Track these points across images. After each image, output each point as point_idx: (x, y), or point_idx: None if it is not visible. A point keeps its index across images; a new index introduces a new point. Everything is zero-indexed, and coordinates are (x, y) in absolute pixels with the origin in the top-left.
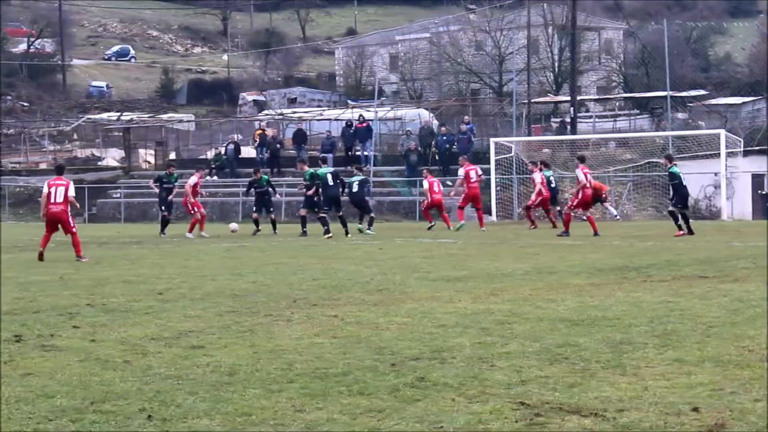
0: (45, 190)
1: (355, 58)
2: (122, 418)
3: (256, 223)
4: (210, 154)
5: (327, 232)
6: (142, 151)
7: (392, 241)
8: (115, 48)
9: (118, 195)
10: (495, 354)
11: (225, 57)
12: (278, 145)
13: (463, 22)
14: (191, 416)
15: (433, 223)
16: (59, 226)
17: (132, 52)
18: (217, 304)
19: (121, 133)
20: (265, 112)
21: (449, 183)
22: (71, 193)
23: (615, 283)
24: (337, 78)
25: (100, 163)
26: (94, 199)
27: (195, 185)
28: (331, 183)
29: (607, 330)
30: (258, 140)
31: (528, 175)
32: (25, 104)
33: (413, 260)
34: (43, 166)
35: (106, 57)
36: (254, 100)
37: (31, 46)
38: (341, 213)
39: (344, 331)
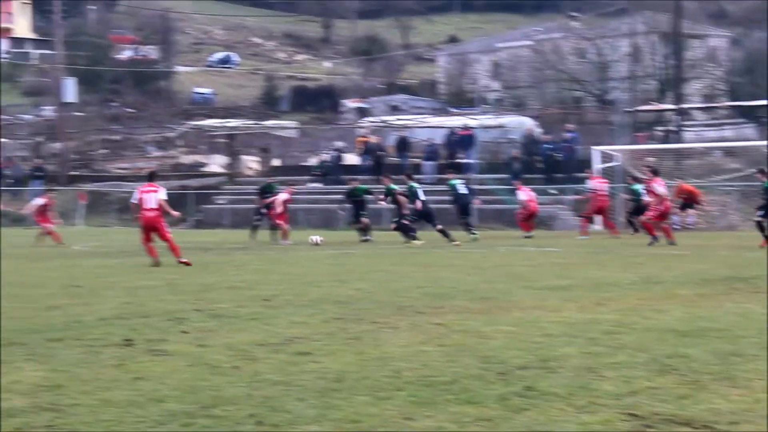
0: (136, 196)
1: (457, 66)
2: (232, 423)
3: (363, 230)
4: (313, 161)
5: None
6: (246, 157)
7: (495, 249)
8: (219, 55)
9: (223, 201)
10: (603, 364)
11: (327, 64)
12: (381, 153)
13: (565, 30)
14: (300, 422)
15: (531, 234)
16: (153, 231)
17: (235, 59)
18: (323, 311)
19: (225, 140)
20: (367, 119)
21: (551, 192)
22: (163, 197)
23: (723, 294)
24: (438, 85)
25: (204, 169)
26: (199, 204)
27: (285, 201)
28: (463, 191)
29: (717, 341)
30: (361, 148)
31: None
32: (131, 111)
33: (517, 268)
34: (148, 171)
35: (209, 64)
36: (356, 108)
37: (136, 53)
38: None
39: (450, 340)
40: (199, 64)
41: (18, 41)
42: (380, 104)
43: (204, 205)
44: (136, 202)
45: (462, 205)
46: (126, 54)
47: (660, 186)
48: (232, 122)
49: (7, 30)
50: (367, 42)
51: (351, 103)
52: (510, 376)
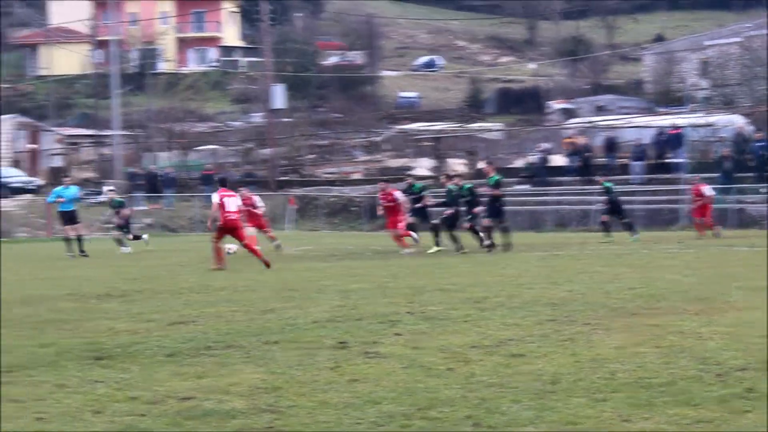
0: (216, 200)
1: (664, 65)
2: (449, 425)
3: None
4: (519, 163)
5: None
6: (451, 160)
7: (707, 249)
8: (423, 59)
9: (431, 204)
10: None
11: (532, 66)
12: (588, 154)
13: None
14: (517, 424)
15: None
16: (233, 233)
17: (440, 62)
18: (535, 313)
19: (431, 143)
20: (574, 120)
21: (762, 191)
22: (239, 203)
23: None
24: (645, 85)
25: (410, 172)
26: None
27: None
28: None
29: None
30: (568, 149)
31: None
32: (338, 116)
33: (731, 269)
34: (356, 176)
35: (414, 68)
36: (562, 108)
37: (342, 59)
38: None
39: (666, 341)
40: (404, 68)
41: (227, 49)
42: (586, 105)
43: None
44: (217, 204)
45: (614, 205)
46: (332, 60)
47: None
48: (438, 125)
49: (217, 39)
50: (572, 42)
51: (556, 105)
52: (729, 378)
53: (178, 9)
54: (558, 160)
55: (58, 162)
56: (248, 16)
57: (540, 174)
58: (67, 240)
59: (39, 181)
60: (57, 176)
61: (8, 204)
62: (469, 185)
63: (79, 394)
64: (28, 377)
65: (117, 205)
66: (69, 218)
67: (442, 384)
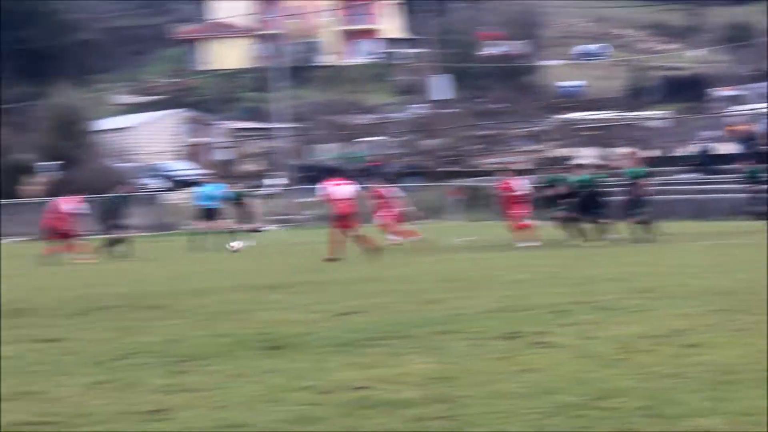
0: (325, 190)
1: None
2: (624, 415)
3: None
4: (684, 151)
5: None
6: (615, 149)
7: None
8: (585, 47)
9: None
10: None
11: (696, 52)
12: (754, 141)
13: None
14: (695, 414)
15: None
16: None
17: (602, 50)
18: (706, 303)
19: (594, 132)
20: (740, 107)
21: None
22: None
23: None
24: None
25: (573, 162)
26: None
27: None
28: None
29: None
30: (733, 136)
31: None
32: (499, 106)
33: None
34: (518, 166)
35: (576, 56)
36: (728, 96)
37: (504, 49)
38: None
39: None
40: (566, 57)
41: (389, 41)
42: (752, 92)
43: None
44: (327, 193)
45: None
46: (493, 50)
47: None
48: (601, 114)
49: (379, 30)
50: (737, 28)
51: (722, 92)
52: None
53: (340, 2)
54: (723, 147)
55: (225, 155)
56: (410, 7)
57: (705, 162)
58: (197, 234)
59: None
60: (224, 169)
61: (175, 197)
62: (594, 176)
63: (254, 383)
64: (203, 366)
65: (236, 198)
66: (208, 215)
67: (614, 374)
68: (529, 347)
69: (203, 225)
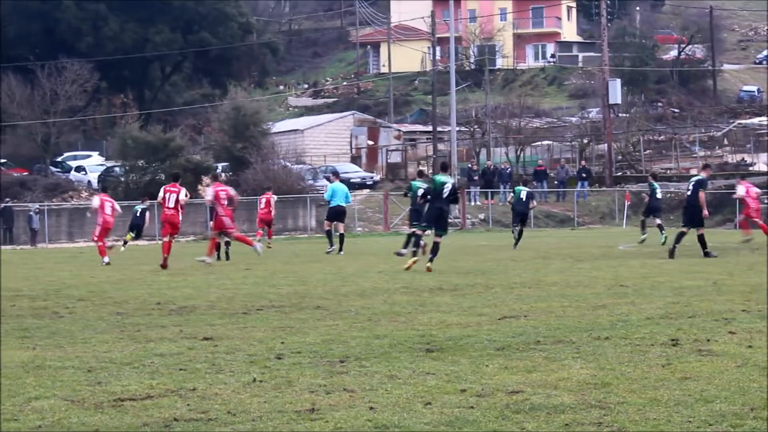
0: (161, 195)
1: None
2: None
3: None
4: None
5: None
6: None
7: None
8: (766, 52)
9: None
10: None
11: None
12: None
13: None
14: None
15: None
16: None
17: None
18: None
19: None
20: None
21: None
22: (182, 198)
23: None
24: None
25: (751, 168)
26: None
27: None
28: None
29: None
30: None
31: None
32: (676, 110)
33: None
34: (693, 171)
35: (756, 61)
36: None
37: (682, 53)
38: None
39: None
40: (746, 61)
41: (565, 45)
42: None
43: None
44: (160, 198)
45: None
46: (671, 54)
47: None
48: None
49: (555, 34)
50: None
51: None
52: None
53: (516, 5)
54: None
55: (396, 158)
56: (587, 11)
57: None
58: (328, 234)
59: (377, 176)
60: (394, 172)
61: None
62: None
63: (409, 385)
64: (361, 367)
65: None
66: (336, 214)
67: None
68: (691, 355)
69: (330, 224)
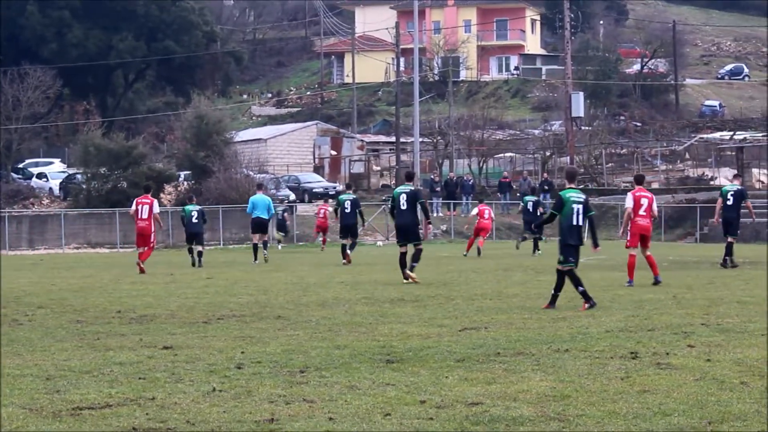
0: (133, 207)
1: None
2: None
3: None
4: None
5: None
6: (755, 170)
7: None
8: (729, 67)
9: None
10: None
11: None
12: None
13: None
14: None
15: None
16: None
17: (746, 70)
18: None
19: (733, 153)
20: None
21: None
22: (155, 210)
23: None
24: None
25: (712, 182)
26: (704, 219)
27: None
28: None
29: None
30: None
31: None
32: (638, 124)
33: None
34: (654, 185)
35: (719, 76)
36: None
37: (645, 67)
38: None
39: None
40: (709, 76)
41: (528, 57)
42: None
43: (710, 219)
44: (133, 211)
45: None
46: (634, 68)
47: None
48: (741, 134)
49: (518, 47)
50: None
51: None
52: None
53: (480, 17)
54: None
55: (359, 168)
56: (551, 24)
57: None
58: (254, 248)
59: (339, 186)
60: (357, 182)
61: (307, 209)
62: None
63: (369, 396)
64: (321, 378)
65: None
66: (257, 226)
67: (735, 398)
68: (650, 368)
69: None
